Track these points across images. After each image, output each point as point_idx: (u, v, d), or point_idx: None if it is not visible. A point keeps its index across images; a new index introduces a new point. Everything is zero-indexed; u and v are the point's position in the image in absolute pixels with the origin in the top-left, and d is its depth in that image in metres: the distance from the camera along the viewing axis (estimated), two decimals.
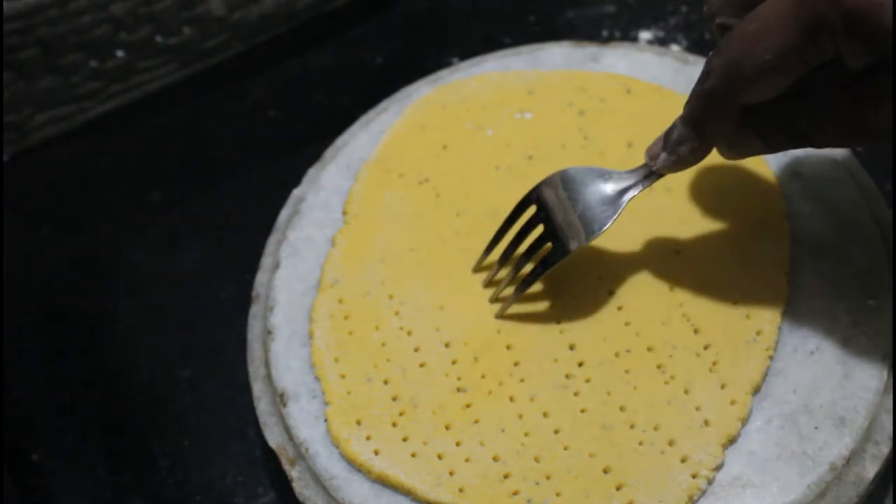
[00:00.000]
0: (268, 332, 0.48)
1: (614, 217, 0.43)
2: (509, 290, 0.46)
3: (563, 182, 0.44)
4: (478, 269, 0.48)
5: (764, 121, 0.39)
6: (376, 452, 0.42)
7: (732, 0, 0.39)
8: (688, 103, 0.40)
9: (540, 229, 0.45)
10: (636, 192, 0.43)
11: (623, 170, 0.44)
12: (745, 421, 0.41)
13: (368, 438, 0.43)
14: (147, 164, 0.64)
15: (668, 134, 0.41)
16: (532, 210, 0.46)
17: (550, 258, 0.44)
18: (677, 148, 0.41)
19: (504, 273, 0.47)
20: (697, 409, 0.41)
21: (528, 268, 0.45)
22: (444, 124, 0.54)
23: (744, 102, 0.38)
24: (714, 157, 0.46)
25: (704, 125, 0.40)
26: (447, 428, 0.43)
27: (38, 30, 0.59)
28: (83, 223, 0.62)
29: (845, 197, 0.47)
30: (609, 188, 0.43)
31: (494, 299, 0.46)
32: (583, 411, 0.42)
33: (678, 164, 0.42)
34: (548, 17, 0.67)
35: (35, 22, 0.59)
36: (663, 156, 0.42)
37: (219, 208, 0.61)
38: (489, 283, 0.47)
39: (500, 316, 0.46)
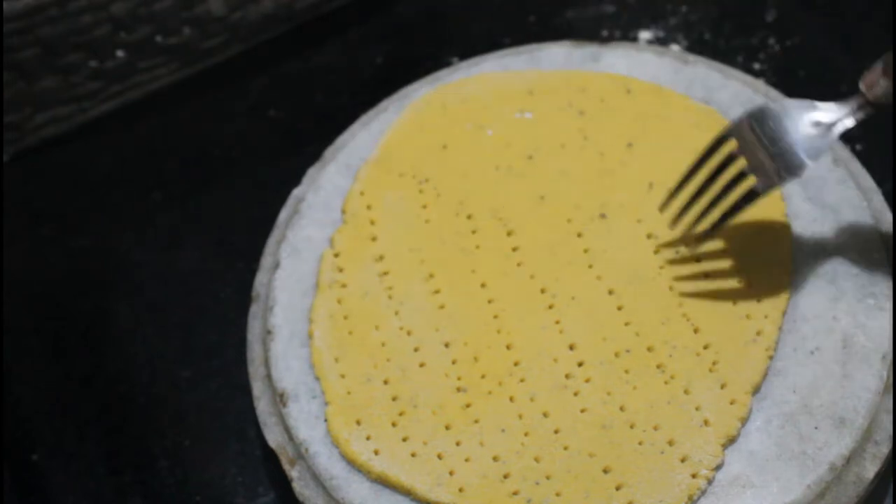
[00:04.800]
0: (268, 332, 0.48)
1: (824, 150, 0.41)
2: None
3: (762, 118, 0.42)
4: (663, 207, 0.46)
5: None
6: (376, 452, 0.42)
7: None
8: None
9: (741, 164, 0.43)
10: (849, 124, 0.41)
11: (834, 102, 0.42)
12: (744, 421, 0.41)
13: (368, 438, 0.43)
14: (147, 164, 0.64)
15: (888, 59, 0.39)
16: (732, 144, 0.43)
17: (756, 191, 0.42)
18: None
19: (697, 208, 0.45)
20: (697, 409, 0.41)
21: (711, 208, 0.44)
22: (444, 124, 0.54)
23: None
24: None
25: None
26: (447, 428, 0.43)
27: (38, 30, 0.59)
28: (83, 223, 0.62)
29: (845, 197, 0.47)
30: (819, 118, 0.41)
31: (686, 237, 0.46)
32: (583, 411, 0.42)
33: None
34: (548, 17, 0.67)
35: (35, 22, 0.59)
36: (884, 82, 0.39)
37: (219, 208, 0.61)
38: (675, 222, 0.46)
39: (692, 253, 0.45)
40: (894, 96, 0.35)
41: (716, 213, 0.44)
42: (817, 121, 0.41)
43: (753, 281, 0.44)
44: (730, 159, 0.43)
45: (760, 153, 0.42)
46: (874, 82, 0.40)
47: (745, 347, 0.42)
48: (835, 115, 0.41)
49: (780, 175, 0.41)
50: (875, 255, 0.45)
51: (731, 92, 0.52)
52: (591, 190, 0.49)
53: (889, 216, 0.46)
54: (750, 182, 0.42)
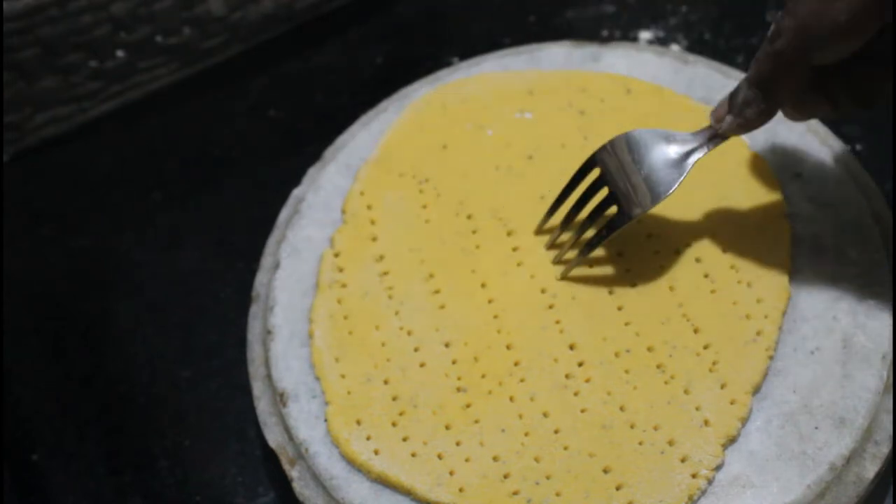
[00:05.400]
0: (268, 332, 0.48)
1: (679, 180, 0.43)
2: (571, 254, 0.46)
3: (628, 145, 0.44)
4: (539, 231, 0.48)
5: (833, 82, 0.39)
6: (376, 452, 0.42)
7: None
8: (755, 64, 0.40)
9: (604, 192, 0.45)
10: (701, 155, 0.43)
11: (688, 133, 0.44)
12: (744, 421, 0.41)
13: (368, 438, 0.43)
14: (147, 164, 0.64)
15: (733, 96, 0.41)
16: (596, 173, 0.45)
17: (615, 222, 0.44)
18: (744, 110, 0.41)
19: (566, 237, 0.47)
20: (697, 409, 0.41)
21: (591, 231, 0.46)
22: (444, 124, 0.54)
23: (815, 63, 0.37)
24: (715, 158, 0.46)
25: (773, 86, 0.39)
26: (447, 428, 0.43)
27: (38, 30, 0.59)
28: (83, 223, 0.62)
29: (845, 197, 0.47)
30: (673, 151, 0.43)
31: (558, 261, 0.47)
32: (583, 411, 0.42)
33: (744, 127, 0.42)
34: (548, 17, 0.67)
35: (35, 22, 0.59)
36: (729, 118, 0.42)
37: (219, 208, 0.61)
38: (552, 246, 0.47)
39: (563, 278, 0.46)
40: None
41: (582, 241, 0.46)
42: (676, 150, 0.43)
43: (753, 281, 0.44)
44: (597, 186, 0.45)
45: (626, 180, 0.44)
46: (721, 117, 0.42)
47: (745, 347, 0.42)
48: (691, 145, 0.43)
49: (644, 202, 0.43)
50: (875, 255, 0.45)
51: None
52: None
53: (889, 216, 0.46)
54: (613, 210, 0.44)
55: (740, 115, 0.41)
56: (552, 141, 0.52)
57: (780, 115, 0.50)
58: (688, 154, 0.43)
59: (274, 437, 0.45)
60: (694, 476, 0.39)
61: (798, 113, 0.42)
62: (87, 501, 0.49)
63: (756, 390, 0.42)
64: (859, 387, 0.41)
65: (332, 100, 0.65)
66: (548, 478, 0.40)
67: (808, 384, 0.41)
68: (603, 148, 0.45)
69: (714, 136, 0.43)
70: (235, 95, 0.67)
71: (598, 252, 0.47)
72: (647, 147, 0.44)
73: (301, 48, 0.68)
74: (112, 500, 0.49)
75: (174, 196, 0.62)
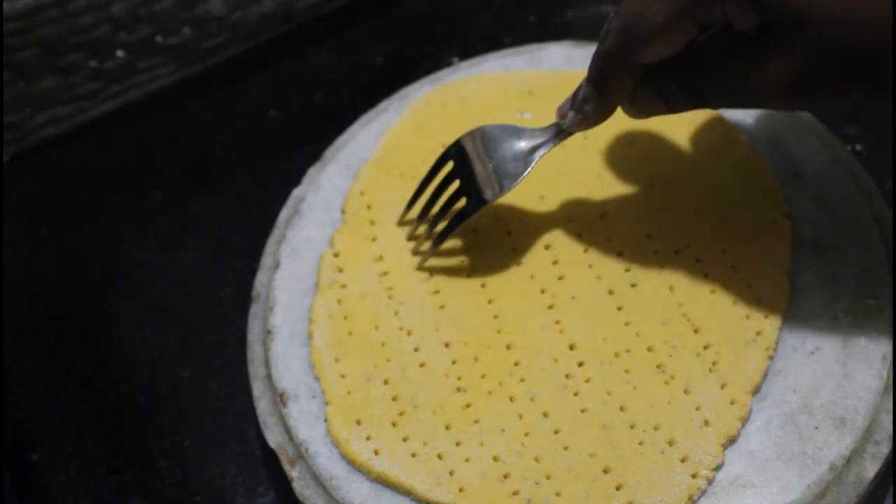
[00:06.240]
0: (268, 332, 0.48)
1: (525, 173, 0.45)
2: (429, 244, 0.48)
3: (482, 137, 0.47)
4: (401, 223, 0.50)
5: (664, 81, 0.40)
6: (376, 452, 0.42)
7: None
8: (590, 63, 0.41)
9: (456, 184, 0.47)
10: (547, 150, 0.45)
11: (537, 128, 0.46)
12: (744, 421, 0.41)
13: (368, 438, 0.43)
14: (147, 164, 0.64)
15: (575, 93, 0.43)
16: (450, 166, 0.47)
17: (466, 210, 0.46)
18: (583, 107, 0.42)
19: (424, 226, 0.49)
20: (697, 409, 0.41)
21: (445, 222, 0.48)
22: (444, 124, 0.54)
23: (641, 62, 0.39)
24: (714, 158, 0.46)
25: (605, 84, 0.41)
26: (447, 428, 0.43)
27: (38, 30, 0.59)
28: (83, 223, 0.62)
29: (845, 197, 0.47)
30: (522, 145, 0.46)
31: (416, 252, 0.49)
32: (583, 411, 0.42)
33: (585, 123, 0.43)
34: (548, 17, 0.67)
35: (35, 22, 0.59)
36: (571, 114, 0.43)
37: (219, 208, 0.61)
38: (411, 238, 0.49)
39: (420, 266, 0.48)
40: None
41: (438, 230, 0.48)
42: (524, 144, 0.46)
43: (753, 281, 0.44)
44: (451, 178, 0.48)
45: (479, 171, 0.46)
46: (565, 113, 0.44)
47: (745, 347, 0.42)
48: (538, 140, 0.45)
49: (493, 192, 0.45)
50: (875, 255, 0.45)
51: None
52: (591, 190, 0.49)
53: (889, 216, 0.46)
54: (461, 203, 0.46)
55: (580, 111, 0.43)
56: None
57: (778, 115, 0.51)
58: (535, 149, 0.45)
59: (274, 437, 0.45)
60: (694, 476, 0.39)
61: (635, 110, 0.43)
62: (87, 501, 0.49)
63: (756, 390, 0.42)
64: (859, 387, 0.41)
65: (332, 100, 0.65)
66: (548, 478, 0.40)
67: (808, 384, 0.41)
68: (462, 137, 0.47)
69: (560, 132, 0.45)
70: (235, 95, 0.67)
71: (598, 252, 0.47)
72: (498, 141, 0.46)
73: (301, 48, 0.68)
74: (112, 500, 0.49)
75: (174, 196, 0.62)
